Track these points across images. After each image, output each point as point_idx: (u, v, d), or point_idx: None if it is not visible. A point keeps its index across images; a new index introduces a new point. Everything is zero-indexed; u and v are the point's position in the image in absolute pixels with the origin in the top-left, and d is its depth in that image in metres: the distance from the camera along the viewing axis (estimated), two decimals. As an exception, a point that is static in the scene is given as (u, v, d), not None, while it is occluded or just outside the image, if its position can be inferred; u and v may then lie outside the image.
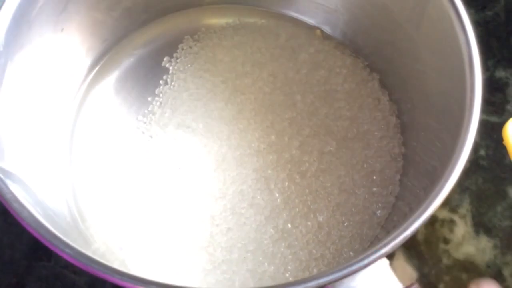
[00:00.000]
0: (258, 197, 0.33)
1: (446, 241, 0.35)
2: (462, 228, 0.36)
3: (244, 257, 0.32)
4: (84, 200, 0.33)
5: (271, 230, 0.32)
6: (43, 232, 0.24)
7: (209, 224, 0.32)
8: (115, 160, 0.34)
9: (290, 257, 0.32)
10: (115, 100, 0.36)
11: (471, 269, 0.35)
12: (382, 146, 0.35)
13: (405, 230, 0.24)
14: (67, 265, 0.32)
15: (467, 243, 0.35)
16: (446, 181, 0.25)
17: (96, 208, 0.33)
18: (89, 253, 0.24)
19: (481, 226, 0.36)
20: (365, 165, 0.34)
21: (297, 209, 0.33)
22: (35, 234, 0.24)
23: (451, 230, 0.36)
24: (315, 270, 0.31)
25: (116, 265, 0.32)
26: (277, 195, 0.33)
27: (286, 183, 0.33)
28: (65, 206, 0.32)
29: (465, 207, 0.36)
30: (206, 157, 0.34)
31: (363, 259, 0.23)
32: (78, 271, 0.33)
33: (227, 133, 0.35)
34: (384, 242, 0.24)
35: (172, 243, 0.32)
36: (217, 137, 0.35)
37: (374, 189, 0.33)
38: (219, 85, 0.36)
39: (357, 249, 0.32)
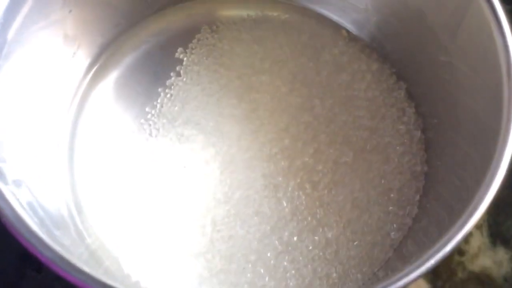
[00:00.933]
0: (265, 205, 0.31)
1: (461, 252, 0.34)
2: (478, 239, 0.34)
3: (244, 268, 0.30)
4: (84, 195, 0.32)
5: (276, 241, 0.30)
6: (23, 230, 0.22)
7: (210, 229, 0.31)
8: (118, 153, 0.33)
9: (292, 272, 0.30)
10: (124, 89, 0.34)
11: (487, 283, 0.33)
12: (403, 162, 0.32)
13: (427, 260, 0.22)
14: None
15: (483, 255, 0.34)
16: (475, 208, 0.23)
17: (95, 202, 0.32)
18: (73, 258, 0.22)
19: (498, 236, 0.34)
20: (382, 181, 0.32)
21: (305, 222, 0.31)
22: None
23: (466, 241, 0.34)
24: (317, 290, 0.29)
25: (108, 263, 0.31)
26: (285, 204, 0.31)
27: (296, 193, 0.31)
28: (63, 201, 0.31)
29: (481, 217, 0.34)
30: (213, 157, 0.32)
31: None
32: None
33: (238, 133, 0.33)
34: (402, 273, 0.22)
35: (169, 244, 0.31)
36: (227, 137, 0.33)
37: (390, 208, 0.31)
38: (234, 81, 0.34)
39: (366, 272, 0.29)
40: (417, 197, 0.31)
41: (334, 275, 0.30)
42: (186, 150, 0.33)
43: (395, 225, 0.31)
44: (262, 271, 0.30)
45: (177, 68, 0.35)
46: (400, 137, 0.33)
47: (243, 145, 0.33)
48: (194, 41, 0.35)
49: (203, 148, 0.33)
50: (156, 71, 0.35)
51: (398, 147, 0.33)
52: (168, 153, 0.33)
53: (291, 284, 0.29)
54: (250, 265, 0.30)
